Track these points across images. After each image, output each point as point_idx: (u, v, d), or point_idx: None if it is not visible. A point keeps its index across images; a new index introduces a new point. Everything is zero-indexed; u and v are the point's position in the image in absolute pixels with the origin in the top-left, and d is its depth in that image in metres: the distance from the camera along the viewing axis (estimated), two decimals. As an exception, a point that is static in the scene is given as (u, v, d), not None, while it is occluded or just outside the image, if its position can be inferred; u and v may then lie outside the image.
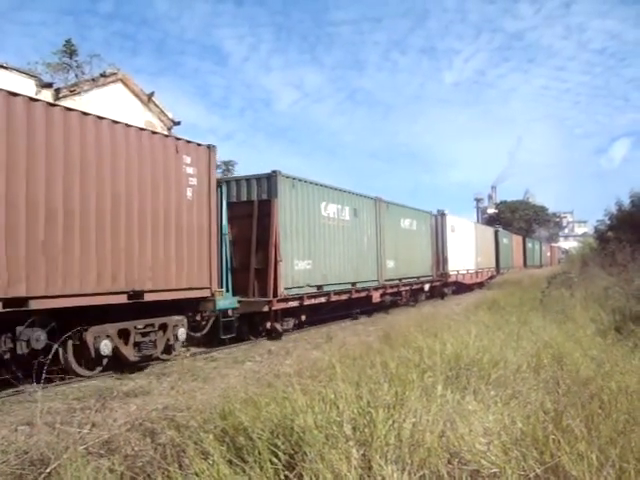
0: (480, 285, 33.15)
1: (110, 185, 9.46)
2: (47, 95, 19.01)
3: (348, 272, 17.73)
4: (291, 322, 15.30)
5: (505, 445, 3.79)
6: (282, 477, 3.55)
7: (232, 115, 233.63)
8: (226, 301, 12.16)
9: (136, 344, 10.24)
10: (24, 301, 7.96)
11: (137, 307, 9.94)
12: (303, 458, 3.66)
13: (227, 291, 12.38)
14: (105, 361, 9.87)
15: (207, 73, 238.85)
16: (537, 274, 30.84)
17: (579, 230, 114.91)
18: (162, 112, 24.30)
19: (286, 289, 14.18)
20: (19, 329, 8.10)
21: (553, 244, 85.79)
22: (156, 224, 10.31)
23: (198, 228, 11.27)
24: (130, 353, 10.13)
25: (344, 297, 17.42)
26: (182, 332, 11.12)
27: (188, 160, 11.10)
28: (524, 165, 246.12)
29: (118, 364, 10.07)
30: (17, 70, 18.58)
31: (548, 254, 63.87)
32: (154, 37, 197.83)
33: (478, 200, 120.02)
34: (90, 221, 9.06)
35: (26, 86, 18.19)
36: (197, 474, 3.57)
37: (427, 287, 24.87)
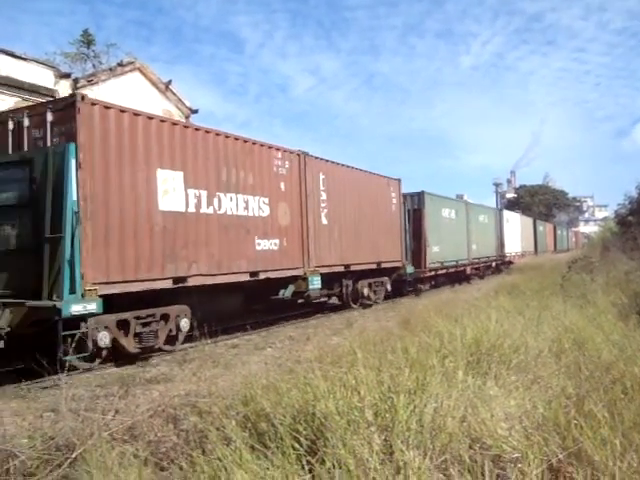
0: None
1: (358, 207, 17.47)
2: (65, 85, 19.13)
3: (454, 253, 25.98)
4: (427, 285, 24.21)
5: (527, 430, 3.78)
6: (304, 462, 3.57)
7: (248, 102, 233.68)
8: (410, 269, 20.80)
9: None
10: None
11: (378, 270, 18.64)
12: (325, 444, 3.68)
13: (407, 261, 20.85)
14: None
15: (223, 60, 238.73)
16: (557, 258, 31.21)
17: (599, 214, 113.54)
18: (180, 100, 24.38)
19: (430, 264, 22.81)
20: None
21: (574, 229, 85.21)
22: (379, 225, 18.73)
23: (396, 227, 20.25)
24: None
25: (452, 270, 26.13)
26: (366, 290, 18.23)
27: (392, 189, 20.11)
28: (544, 149, 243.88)
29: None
30: (36, 61, 18.71)
31: (573, 239, 71.71)
32: (169, 25, 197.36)
33: (497, 185, 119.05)
34: (359, 226, 17.40)
35: (45, 77, 18.32)
36: (220, 459, 3.60)
37: (494, 264, 33.35)
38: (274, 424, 4.01)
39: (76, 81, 20.23)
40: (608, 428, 3.63)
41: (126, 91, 20.93)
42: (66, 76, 19.95)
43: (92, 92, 17.98)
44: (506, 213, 37.98)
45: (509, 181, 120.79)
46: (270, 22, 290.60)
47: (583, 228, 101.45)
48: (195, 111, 25.49)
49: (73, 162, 8.65)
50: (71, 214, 8.54)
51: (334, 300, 17.94)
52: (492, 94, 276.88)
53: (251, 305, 13.81)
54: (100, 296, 8.83)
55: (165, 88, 23.72)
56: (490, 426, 3.81)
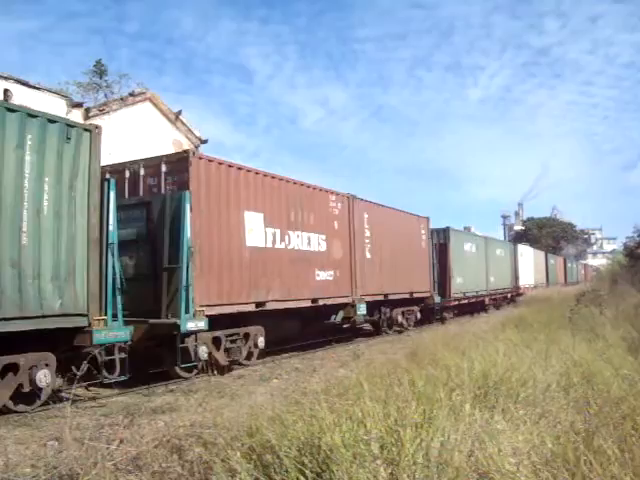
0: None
1: (394, 242, 19.67)
2: (77, 114, 19.37)
3: (475, 285, 27.86)
4: (451, 313, 25.66)
5: (535, 465, 3.73)
6: (309, 495, 3.54)
7: (258, 133, 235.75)
8: (437, 298, 22.90)
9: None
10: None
11: (410, 299, 20.75)
12: (330, 476, 3.65)
13: (435, 291, 22.89)
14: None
15: (233, 91, 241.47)
16: (565, 291, 31.07)
17: (608, 247, 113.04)
18: (190, 130, 24.59)
19: (454, 294, 24.82)
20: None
21: (582, 261, 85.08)
22: (411, 258, 20.96)
23: (425, 260, 22.47)
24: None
25: (473, 300, 27.84)
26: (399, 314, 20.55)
27: (422, 226, 22.54)
28: (552, 181, 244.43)
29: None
30: (49, 90, 18.98)
31: (582, 272, 72.27)
32: (180, 56, 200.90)
33: (505, 217, 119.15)
34: (396, 259, 19.46)
35: (57, 106, 18.55)
36: (224, 491, 3.58)
37: (509, 295, 34.81)
38: (279, 456, 3.98)
39: (88, 110, 20.48)
40: (618, 465, 3.58)
41: (137, 121, 21.19)
42: (78, 105, 20.21)
43: (103, 121, 18.19)
44: (520, 247, 40.44)
45: (517, 213, 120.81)
46: (279, 54, 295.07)
47: (591, 261, 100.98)
48: (205, 141, 25.71)
49: (188, 206, 10.59)
50: (186, 248, 10.45)
51: (367, 326, 20.16)
52: (500, 127, 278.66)
53: (307, 328, 16.02)
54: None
55: (175, 118, 23.97)
56: (498, 461, 3.76)
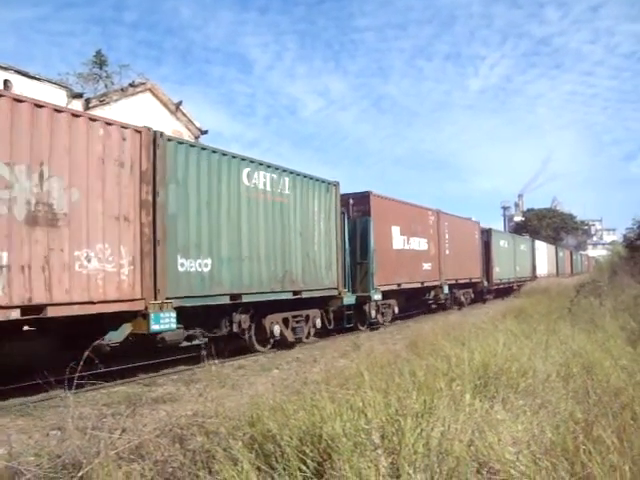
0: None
1: (460, 242, 26.37)
2: (77, 105, 19.33)
3: (507, 273, 34.62)
4: (491, 295, 32.28)
5: (535, 455, 3.75)
6: (311, 484, 3.57)
7: (257, 123, 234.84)
8: (486, 283, 30.60)
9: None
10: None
11: (468, 284, 28.14)
12: (332, 466, 3.67)
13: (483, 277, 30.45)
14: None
15: (232, 81, 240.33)
16: (565, 283, 31.34)
17: (608, 238, 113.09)
18: (190, 121, 24.59)
19: (494, 280, 31.46)
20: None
21: (582, 252, 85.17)
22: (469, 253, 28.01)
23: (477, 254, 29.36)
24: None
25: (506, 285, 34.54)
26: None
27: (475, 229, 29.76)
28: (552, 173, 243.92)
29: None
30: (49, 81, 18.95)
31: (586, 263, 77.32)
32: (179, 46, 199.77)
33: (505, 208, 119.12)
34: (461, 254, 26.57)
35: (57, 97, 18.52)
36: (226, 480, 3.60)
37: (529, 282, 38.80)
38: (280, 445, 4.00)
39: (88, 101, 20.47)
40: (617, 454, 3.60)
41: (137, 111, 21.15)
42: (78, 96, 20.21)
43: (104, 112, 18.17)
44: (537, 243, 47.58)
45: (517, 204, 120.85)
46: (279, 43, 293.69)
47: (591, 252, 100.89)
48: (205, 132, 25.70)
49: (372, 226, 17.52)
50: (372, 251, 17.43)
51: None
52: (500, 117, 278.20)
53: (412, 302, 22.61)
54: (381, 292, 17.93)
55: (175, 109, 23.95)
56: (498, 450, 3.79)
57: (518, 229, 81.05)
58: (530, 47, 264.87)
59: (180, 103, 24.11)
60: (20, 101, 8.10)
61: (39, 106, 8.31)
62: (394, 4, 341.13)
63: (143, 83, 23.05)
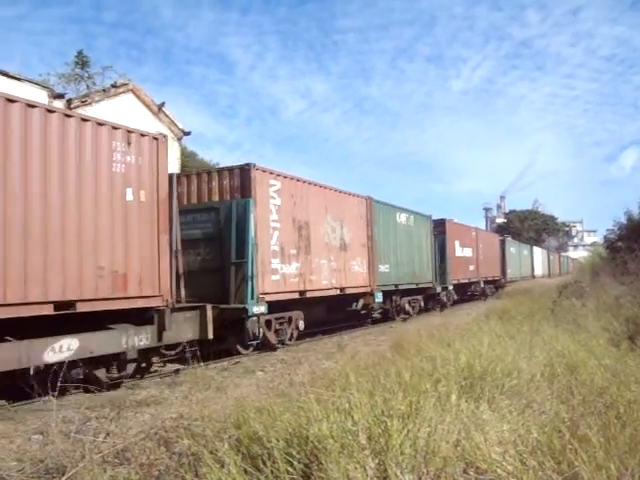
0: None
1: (487, 248, 36.08)
2: (59, 105, 19.13)
3: (515, 272, 45.00)
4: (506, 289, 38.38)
5: (521, 454, 3.77)
6: (298, 486, 3.55)
7: (239, 124, 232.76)
8: (503, 280, 40.66)
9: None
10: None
11: (492, 280, 37.83)
12: (319, 467, 3.65)
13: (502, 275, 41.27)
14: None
15: (213, 82, 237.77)
16: (547, 283, 32.11)
17: (588, 239, 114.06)
18: (172, 122, 24.46)
19: (508, 278, 41.30)
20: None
21: (563, 254, 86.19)
22: (492, 256, 37.72)
23: (497, 257, 39.57)
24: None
25: (515, 281, 42.26)
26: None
27: (498, 238, 42.77)
28: (534, 175, 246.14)
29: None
30: (29, 81, 18.75)
31: (571, 264, 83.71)
32: (160, 46, 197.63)
33: (487, 210, 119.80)
34: (489, 257, 37.19)
35: (38, 97, 18.32)
36: (213, 482, 3.58)
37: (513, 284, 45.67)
38: (267, 447, 3.98)
39: (70, 102, 20.30)
40: (603, 452, 3.63)
41: (119, 112, 20.99)
42: (60, 97, 20.03)
43: (85, 112, 18.00)
44: (534, 248, 59.07)
45: (499, 206, 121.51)
46: (261, 44, 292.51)
47: (572, 253, 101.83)
48: (188, 133, 25.60)
49: (447, 241, 26.38)
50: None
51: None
52: (482, 119, 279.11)
53: (462, 293, 31.44)
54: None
55: (158, 110, 23.82)
56: (484, 450, 3.79)
57: (500, 231, 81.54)
58: (511, 49, 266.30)
59: (163, 104, 23.98)
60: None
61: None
62: (376, 5, 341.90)
63: (125, 84, 22.90)
